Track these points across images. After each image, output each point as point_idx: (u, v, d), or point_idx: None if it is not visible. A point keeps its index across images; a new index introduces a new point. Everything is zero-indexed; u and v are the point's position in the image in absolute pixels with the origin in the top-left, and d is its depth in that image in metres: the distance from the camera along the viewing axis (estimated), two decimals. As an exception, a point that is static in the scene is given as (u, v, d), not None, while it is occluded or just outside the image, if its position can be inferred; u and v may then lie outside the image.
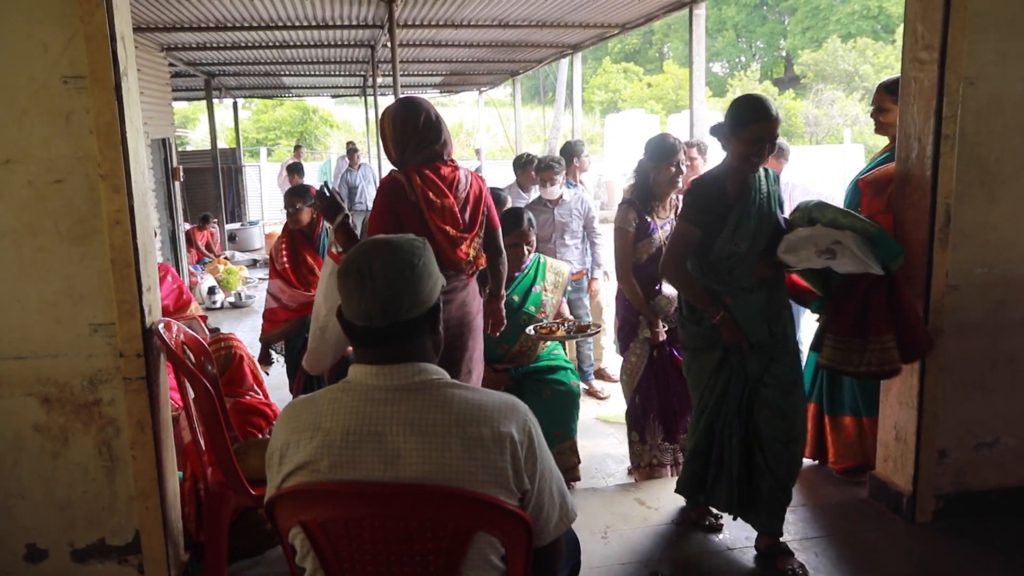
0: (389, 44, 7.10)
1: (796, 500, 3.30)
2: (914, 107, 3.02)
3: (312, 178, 19.01)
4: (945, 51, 2.88)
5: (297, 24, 8.51)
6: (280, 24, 8.47)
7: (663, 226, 3.76)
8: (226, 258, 11.56)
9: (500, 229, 3.25)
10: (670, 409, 3.85)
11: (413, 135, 2.97)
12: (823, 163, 15.53)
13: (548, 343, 3.92)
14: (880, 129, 3.51)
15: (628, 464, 4.25)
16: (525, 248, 3.84)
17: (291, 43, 9.84)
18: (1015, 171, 3.02)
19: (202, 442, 2.77)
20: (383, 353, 1.54)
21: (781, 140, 5.81)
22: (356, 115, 32.93)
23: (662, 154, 3.64)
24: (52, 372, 2.58)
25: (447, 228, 2.94)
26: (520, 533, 1.51)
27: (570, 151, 6.08)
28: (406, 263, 1.52)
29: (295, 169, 11.05)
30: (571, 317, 4.05)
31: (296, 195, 4.27)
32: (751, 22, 37.30)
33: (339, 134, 30.05)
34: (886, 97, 3.43)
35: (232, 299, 9.89)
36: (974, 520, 3.20)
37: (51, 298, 2.54)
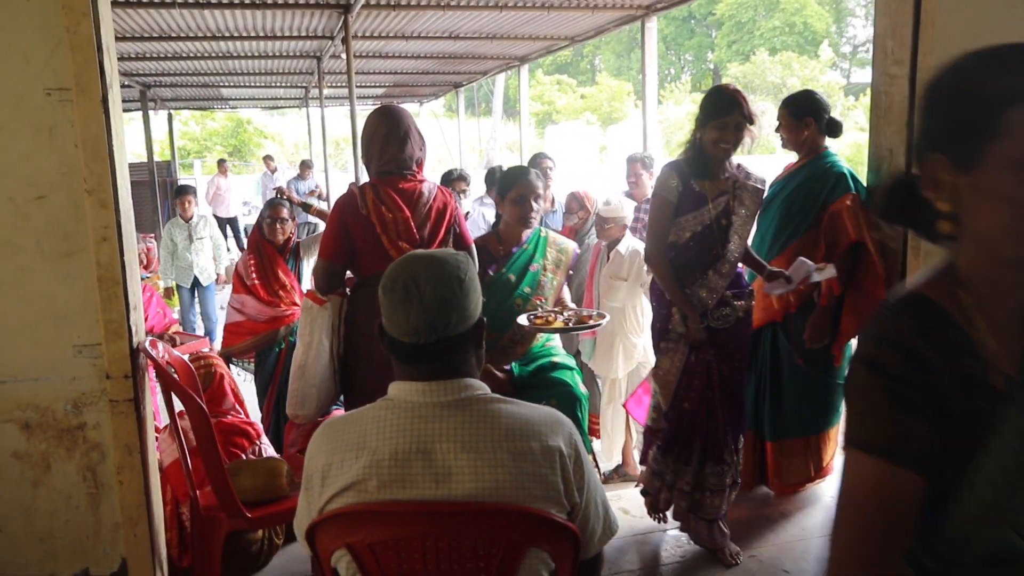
0: (344, 55, 7.02)
1: (776, 526, 3.39)
2: (886, 121, 3.14)
3: (249, 191, 18.64)
4: (916, 66, 3.00)
5: (243, 35, 8.34)
6: (226, 35, 8.30)
7: (716, 199, 3.00)
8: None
9: (473, 247, 3.05)
10: (712, 430, 3.07)
11: (376, 146, 2.89)
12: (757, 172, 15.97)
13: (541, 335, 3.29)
14: (786, 144, 3.60)
15: (602, 471, 4.25)
16: (532, 203, 3.16)
17: (234, 54, 9.66)
18: (979, 181, 3.16)
19: (189, 463, 2.68)
20: (428, 369, 1.51)
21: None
22: (288, 126, 32.43)
23: (711, 109, 2.95)
24: (33, 396, 2.46)
25: (402, 244, 2.82)
26: (569, 547, 1.51)
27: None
28: (454, 278, 1.50)
29: (184, 191, 7.71)
30: (572, 305, 3.37)
31: (283, 205, 4.16)
32: (680, 35, 38.09)
33: (273, 145, 29.55)
34: (783, 113, 3.54)
35: (176, 316, 9.60)
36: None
37: (32, 319, 2.43)
